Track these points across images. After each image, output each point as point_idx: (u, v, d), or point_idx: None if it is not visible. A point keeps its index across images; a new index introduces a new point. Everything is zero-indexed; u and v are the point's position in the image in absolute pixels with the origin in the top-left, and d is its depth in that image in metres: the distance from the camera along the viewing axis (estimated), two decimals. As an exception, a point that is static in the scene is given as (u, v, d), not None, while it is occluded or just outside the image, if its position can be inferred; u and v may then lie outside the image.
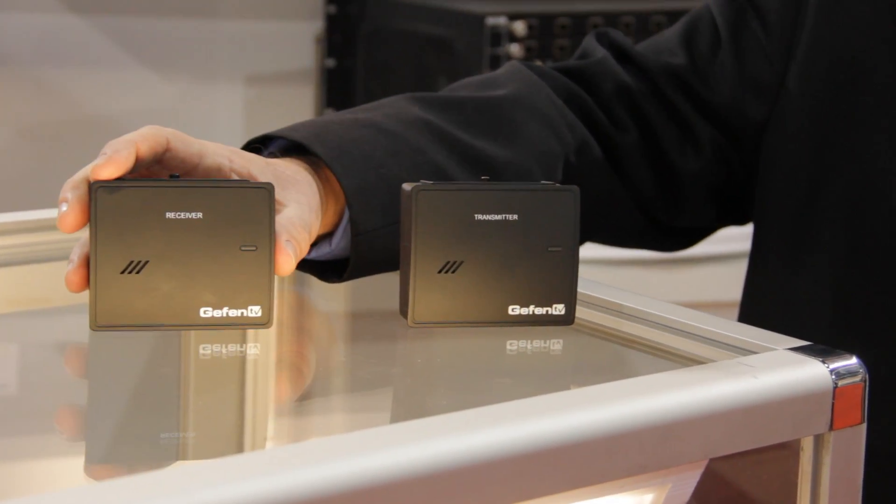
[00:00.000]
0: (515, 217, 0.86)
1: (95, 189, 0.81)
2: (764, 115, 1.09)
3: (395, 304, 0.89)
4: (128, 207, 0.81)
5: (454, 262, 0.86)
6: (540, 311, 0.87)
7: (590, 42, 1.14)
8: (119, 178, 0.81)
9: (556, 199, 0.87)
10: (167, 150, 0.85)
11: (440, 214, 0.85)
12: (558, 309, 0.87)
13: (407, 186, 0.86)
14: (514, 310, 0.87)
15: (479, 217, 0.86)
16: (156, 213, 0.81)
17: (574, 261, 0.87)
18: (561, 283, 0.87)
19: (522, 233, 0.86)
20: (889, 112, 1.04)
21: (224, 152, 0.88)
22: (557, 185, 0.90)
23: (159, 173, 0.85)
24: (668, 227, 1.13)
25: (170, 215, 0.82)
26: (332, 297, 1.05)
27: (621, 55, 1.12)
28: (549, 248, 0.87)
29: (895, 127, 1.03)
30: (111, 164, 0.81)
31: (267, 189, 0.83)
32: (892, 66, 1.04)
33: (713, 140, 1.10)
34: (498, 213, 0.86)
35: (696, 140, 1.10)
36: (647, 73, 1.11)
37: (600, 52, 1.12)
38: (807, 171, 1.07)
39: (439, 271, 0.86)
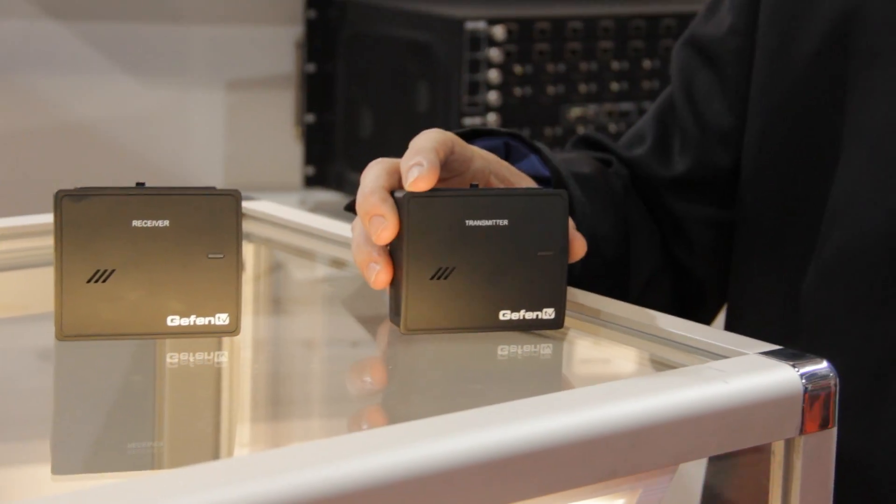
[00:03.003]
0: (506, 222, 0.86)
1: (61, 198, 0.80)
2: (732, 163, 1.11)
3: (379, 309, 0.88)
4: (94, 216, 0.81)
5: (446, 269, 0.86)
6: (530, 315, 0.87)
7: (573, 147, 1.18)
8: (84, 187, 0.81)
9: (545, 203, 0.87)
10: (452, 153, 0.87)
11: (432, 221, 0.85)
12: (548, 313, 0.87)
13: (398, 193, 0.86)
14: (505, 315, 0.87)
15: (470, 223, 0.86)
16: (122, 221, 0.81)
17: (563, 265, 0.87)
18: (551, 287, 0.87)
19: (513, 238, 0.86)
20: (847, 141, 1.04)
21: (486, 155, 0.91)
22: (546, 189, 0.90)
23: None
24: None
25: (136, 223, 0.81)
26: (315, 303, 1.05)
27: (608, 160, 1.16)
28: (539, 253, 0.87)
29: (851, 155, 1.04)
30: (430, 175, 0.84)
31: (233, 196, 0.82)
32: (838, 102, 1.05)
33: (695, 213, 1.12)
34: (488, 219, 0.86)
35: (682, 230, 1.13)
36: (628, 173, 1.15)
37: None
38: (773, 201, 1.09)
39: (431, 278, 0.85)
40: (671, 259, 1.14)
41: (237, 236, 0.82)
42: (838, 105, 1.05)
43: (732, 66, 1.11)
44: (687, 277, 1.14)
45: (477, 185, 0.88)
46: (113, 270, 0.81)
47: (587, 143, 1.17)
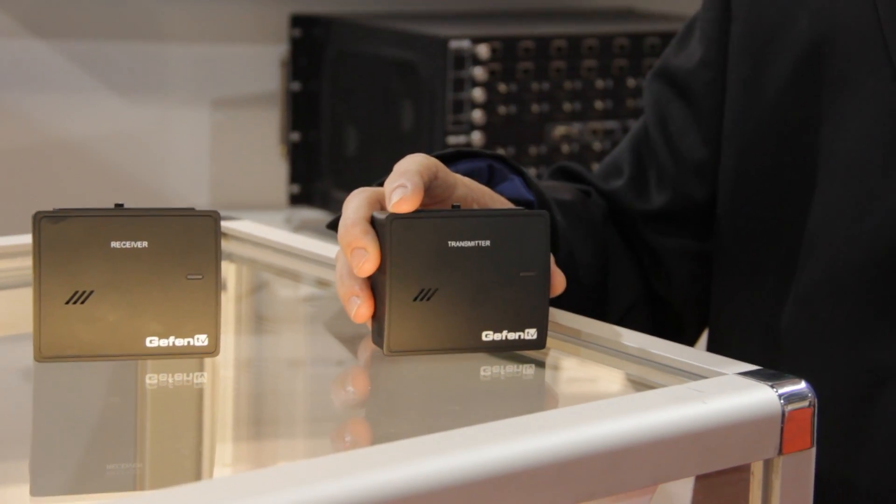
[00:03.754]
0: (488, 243, 0.86)
1: (39, 219, 0.80)
2: (709, 195, 1.11)
3: (361, 329, 0.88)
4: (72, 237, 0.81)
5: (429, 290, 0.86)
6: (513, 336, 0.87)
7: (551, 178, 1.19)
8: (62, 208, 0.81)
9: (527, 224, 0.87)
10: (436, 178, 0.87)
11: (414, 243, 0.85)
12: (530, 334, 0.87)
13: (380, 215, 0.86)
14: (488, 335, 0.87)
15: (453, 244, 0.86)
16: (100, 242, 0.81)
17: (545, 285, 0.87)
18: (533, 307, 0.87)
19: (495, 258, 0.86)
20: (821, 169, 1.05)
21: (469, 183, 0.92)
22: (528, 210, 0.90)
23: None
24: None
25: (115, 244, 0.81)
26: (296, 322, 1.05)
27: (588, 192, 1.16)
28: (521, 273, 0.87)
29: (826, 183, 1.04)
30: (414, 198, 0.84)
31: (212, 217, 0.82)
32: (811, 131, 1.05)
33: (672, 246, 1.13)
34: (471, 240, 0.86)
35: (660, 262, 1.14)
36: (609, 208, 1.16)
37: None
38: (750, 231, 1.09)
39: (414, 299, 0.85)
40: (649, 289, 1.14)
41: (216, 257, 0.82)
42: (811, 133, 1.05)
43: (705, 98, 1.11)
44: (665, 308, 1.15)
45: (459, 206, 0.88)
46: (92, 292, 0.81)
47: (565, 174, 1.18)
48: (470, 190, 0.91)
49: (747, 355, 0.99)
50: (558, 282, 0.89)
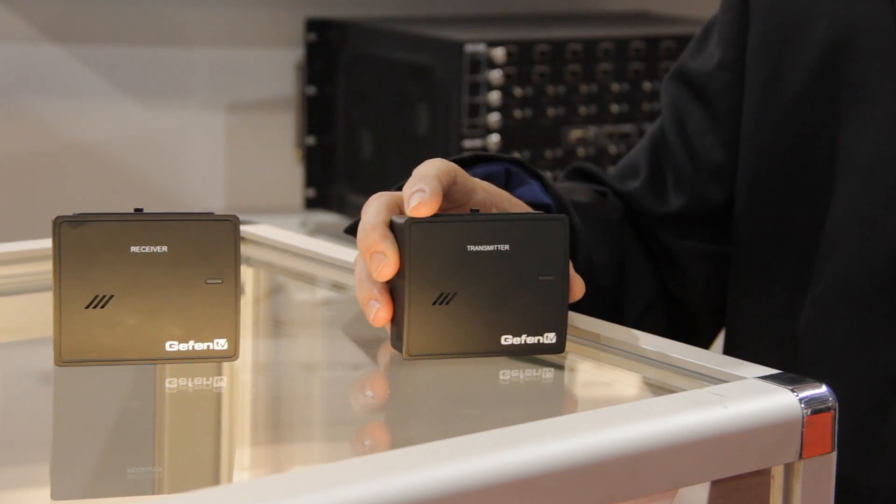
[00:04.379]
0: (507, 247, 0.86)
1: (59, 224, 0.80)
2: (726, 197, 1.11)
3: (379, 333, 0.88)
4: (92, 242, 0.81)
5: (448, 294, 0.86)
6: (532, 340, 0.87)
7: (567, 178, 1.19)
8: (82, 213, 0.81)
9: (546, 228, 0.87)
10: (455, 183, 0.87)
11: (433, 247, 0.85)
12: (549, 338, 0.87)
13: (398, 219, 0.86)
14: (507, 339, 0.87)
15: (472, 248, 0.86)
16: (120, 247, 0.81)
17: (564, 289, 0.87)
18: (552, 311, 0.87)
19: (514, 262, 0.86)
20: (839, 173, 1.05)
21: (488, 188, 0.92)
22: (547, 214, 0.90)
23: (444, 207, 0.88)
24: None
25: (135, 249, 0.81)
26: (315, 326, 1.05)
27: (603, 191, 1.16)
28: (540, 277, 0.87)
29: (844, 187, 1.04)
30: (433, 202, 0.84)
31: (232, 221, 0.82)
32: (829, 134, 1.05)
33: (689, 248, 1.13)
34: (489, 244, 0.86)
35: (676, 264, 1.13)
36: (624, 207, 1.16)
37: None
38: (767, 234, 1.09)
39: (433, 303, 0.85)
40: (665, 291, 1.14)
41: (236, 261, 0.82)
42: (829, 137, 1.05)
43: (723, 100, 1.11)
44: (680, 309, 1.14)
45: (478, 210, 0.88)
46: (111, 296, 0.81)
47: (581, 175, 1.17)
48: (489, 194, 0.91)
49: (763, 358, 0.99)
50: (577, 287, 0.89)
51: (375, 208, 0.86)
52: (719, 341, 1.19)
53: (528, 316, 0.87)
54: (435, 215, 0.85)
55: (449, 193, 0.88)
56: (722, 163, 1.11)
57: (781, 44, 1.08)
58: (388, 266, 0.84)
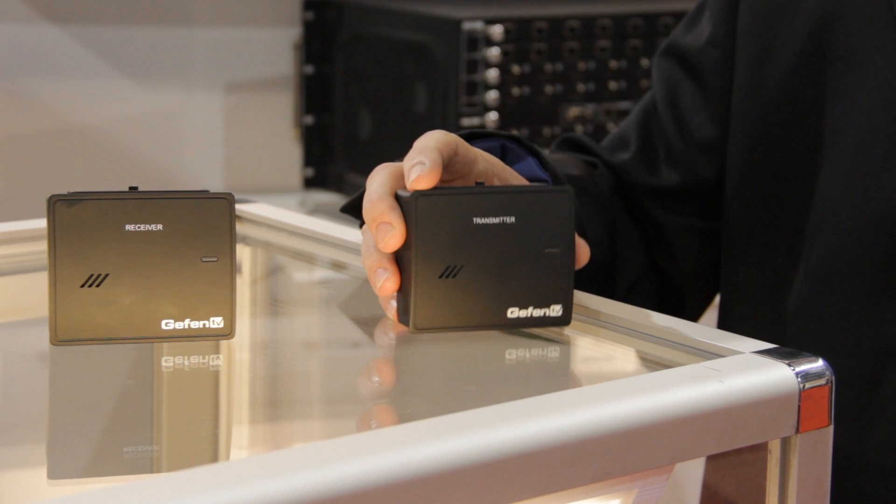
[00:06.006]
0: (513, 219, 0.86)
1: (54, 202, 0.80)
2: (716, 173, 1.11)
3: (377, 311, 0.88)
4: (87, 220, 0.81)
5: (454, 267, 0.85)
6: (538, 312, 0.87)
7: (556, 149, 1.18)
8: (77, 192, 0.81)
9: (551, 200, 0.87)
10: (456, 154, 0.87)
11: (439, 220, 0.85)
12: (556, 310, 0.87)
13: (404, 193, 0.85)
14: (513, 312, 0.87)
15: (478, 221, 0.85)
16: (115, 225, 0.81)
17: (570, 261, 0.87)
18: (558, 284, 0.87)
19: (520, 235, 0.86)
20: (829, 147, 1.04)
21: (490, 158, 0.91)
22: (552, 186, 0.90)
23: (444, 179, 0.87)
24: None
25: (129, 227, 0.81)
26: (312, 304, 1.05)
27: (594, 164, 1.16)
28: (546, 250, 0.87)
29: (834, 160, 1.04)
30: (433, 174, 0.84)
31: (227, 199, 0.82)
32: (819, 108, 1.05)
33: (678, 223, 1.13)
34: (496, 217, 0.86)
35: (665, 238, 1.14)
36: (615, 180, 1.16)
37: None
38: (759, 209, 1.09)
39: (440, 276, 0.85)
40: (653, 264, 1.14)
41: (231, 239, 0.82)
42: (820, 111, 1.05)
43: (714, 76, 1.11)
44: (668, 283, 1.14)
45: (483, 183, 0.88)
46: (107, 275, 0.81)
47: (571, 145, 1.17)
48: (490, 164, 0.91)
49: (757, 332, 0.99)
50: (583, 253, 0.89)
51: (381, 179, 0.86)
52: (713, 316, 1.18)
53: (535, 289, 0.87)
54: (441, 187, 0.85)
55: (450, 164, 0.88)
56: (713, 139, 1.11)
57: (771, 19, 1.08)
58: (394, 237, 0.84)
